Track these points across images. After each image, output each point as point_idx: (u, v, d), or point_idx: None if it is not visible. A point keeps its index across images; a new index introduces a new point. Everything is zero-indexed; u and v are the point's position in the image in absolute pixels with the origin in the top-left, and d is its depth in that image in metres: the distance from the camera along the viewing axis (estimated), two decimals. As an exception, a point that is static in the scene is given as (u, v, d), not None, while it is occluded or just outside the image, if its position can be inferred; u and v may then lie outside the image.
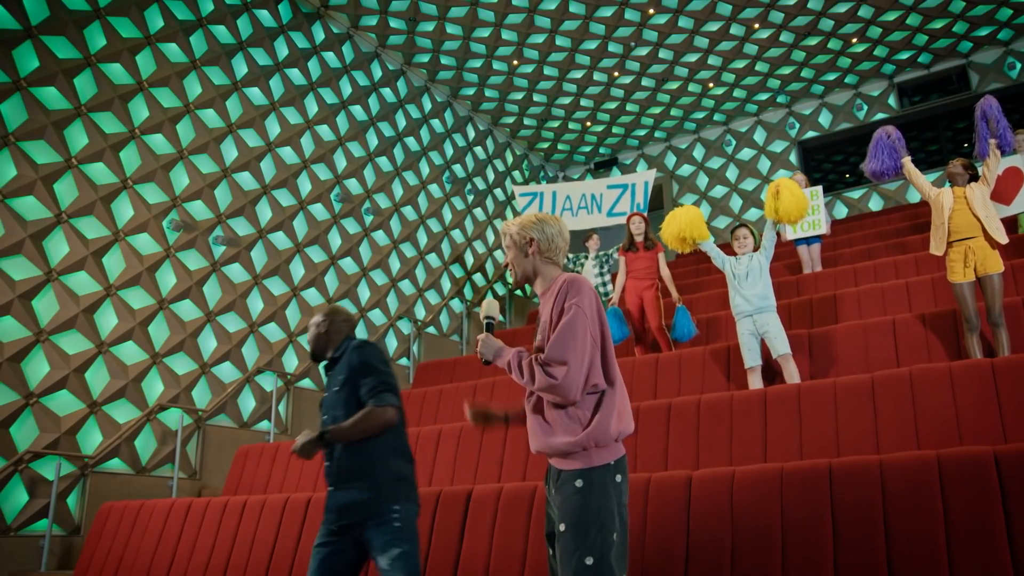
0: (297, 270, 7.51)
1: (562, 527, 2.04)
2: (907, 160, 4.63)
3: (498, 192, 10.97)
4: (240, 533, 4.05)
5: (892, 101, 10.43)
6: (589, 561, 1.97)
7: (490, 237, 10.61)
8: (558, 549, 2.07)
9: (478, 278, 10.19)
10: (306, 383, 7.38)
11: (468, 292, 9.89)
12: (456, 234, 9.89)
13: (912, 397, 3.51)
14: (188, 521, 4.24)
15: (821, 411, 3.75)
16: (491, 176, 10.88)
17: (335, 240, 8.00)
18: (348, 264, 8.13)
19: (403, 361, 8.60)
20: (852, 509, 2.78)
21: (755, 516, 2.98)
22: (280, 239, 7.40)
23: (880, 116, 10.45)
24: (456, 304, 9.65)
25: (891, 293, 5.47)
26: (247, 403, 6.75)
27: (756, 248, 4.85)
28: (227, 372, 6.64)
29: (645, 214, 6.35)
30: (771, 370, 4.82)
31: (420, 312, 9.00)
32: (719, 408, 4.04)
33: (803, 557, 2.81)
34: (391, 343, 8.50)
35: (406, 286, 8.86)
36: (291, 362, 7.26)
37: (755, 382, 4.70)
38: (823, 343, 4.83)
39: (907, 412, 3.47)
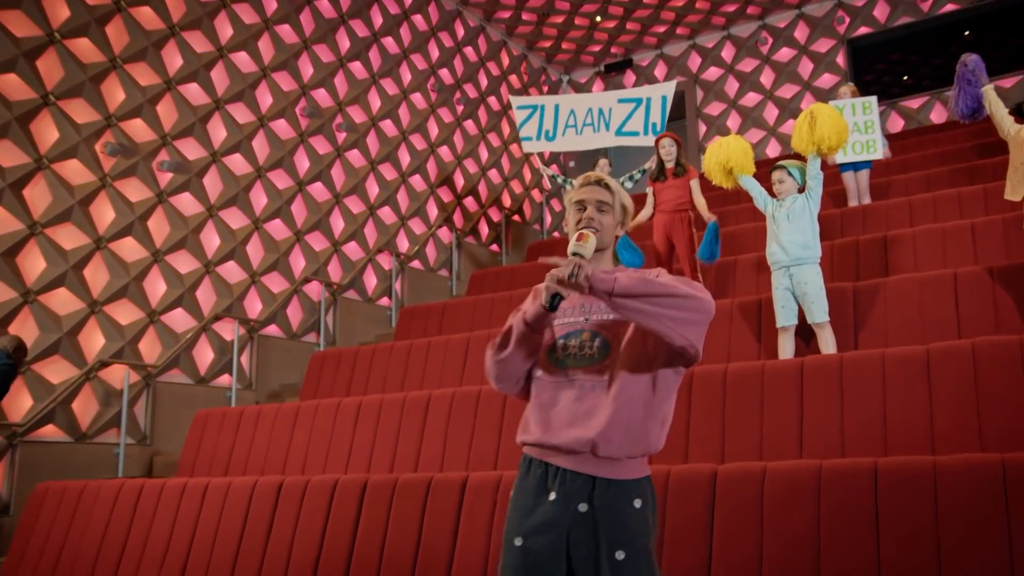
0: (259, 199, 7.38)
1: (621, 555, 1.95)
2: (988, 88, 4.43)
3: (492, 101, 10.68)
4: (202, 521, 4.07)
5: (963, -11, 10.00)
6: None
7: (483, 154, 10.41)
8: None
9: (469, 202, 10.06)
10: (272, 330, 7.36)
11: (458, 219, 9.79)
12: (444, 151, 9.71)
13: (975, 378, 3.45)
14: (140, 506, 4.26)
15: (866, 389, 3.70)
16: (484, 82, 10.59)
17: (302, 162, 7.85)
18: (318, 190, 7.99)
19: (384, 301, 8.57)
20: (898, 518, 2.77)
21: (788, 520, 2.97)
22: (237, 163, 7.24)
23: (948, 7, 10.04)
24: (444, 233, 9.57)
25: (953, 237, 5.35)
26: (204, 355, 6.74)
27: (802, 190, 4.72)
28: (179, 320, 6.59)
29: (676, 135, 6.15)
30: (808, 330, 4.75)
31: (403, 244, 8.93)
32: (749, 380, 3.99)
33: (840, 570, 2.80)
34: (370, 281, 8.45)
35: (386, 213, 8.76)
36: (254, 306, 7.22)
37: (786, 344, 4.68)
38: (870, 300, 4.75)
39: (968, 396, 3.42)
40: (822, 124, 4.46)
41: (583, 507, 1.99)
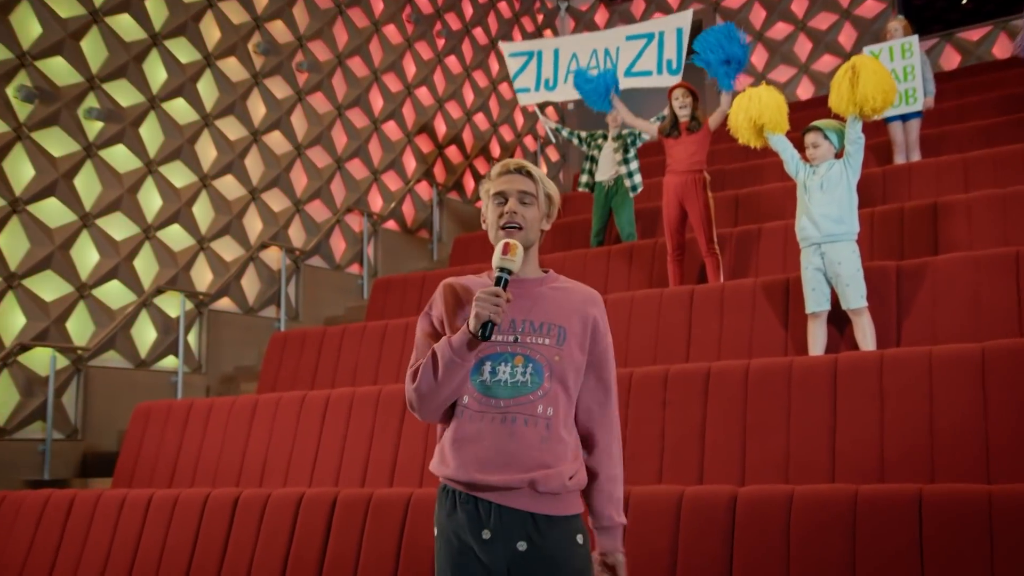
0: (206, 151, 7.30)
1: None
2: None
3: (478, 33, 10.56)
4: (144, 541, 4.05)
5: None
6: None
7: (467, 96, 10.33)
8: None
9: (452, 152, 10.00)
10: (224, 304, 7.34)
11: (440, 172, 9.74)
12: (422, 93, 9.64)
13: (1037, 386, 3.41)
14: (71, 522, 4.23)
15: (910, 395, 3.67)
16: (468, 11, 10.49)
17: (257, 108, 7.76)
18: (276, 140, 7.92)
19: (355, 269, 8.56)
20: (947, 557, 2.75)
21: (818, 554, 2.95)
22: (180, 109, 7.14)
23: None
24: (424, 189, 9.54)
25: (1015, 205, 5.28)
26: (144, 335, 6.71)
27: (839, 155, 4.65)
28: (115, 294, 6.54)
29: (691, 85, 6.05)
30: (843, 317, 4.71)
31: (376, 202, 8.90)
32: (774, 380, 3.96)
33: (879, 614, 2.80)
34: (338, 245, 8.44)
35: (356, 167, 8.72)
36: (203, 277, 7.19)
37: (817, 333, 4.65)
38: (915, 283, 4.70)
39: (1029, 408, 3.39)
40: (866, 81, 4.36)
41: (522, 545, 2.07)
